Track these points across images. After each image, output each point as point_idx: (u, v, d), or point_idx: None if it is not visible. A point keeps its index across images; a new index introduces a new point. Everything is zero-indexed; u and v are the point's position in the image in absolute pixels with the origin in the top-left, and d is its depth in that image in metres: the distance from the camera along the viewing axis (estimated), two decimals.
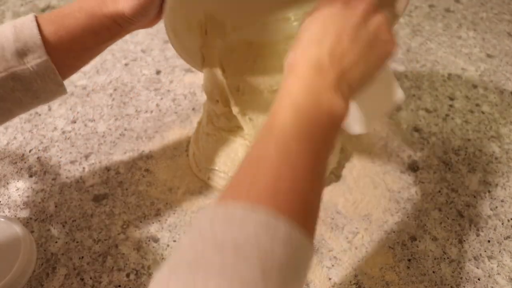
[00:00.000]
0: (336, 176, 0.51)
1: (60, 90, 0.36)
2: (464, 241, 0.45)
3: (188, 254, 0.21)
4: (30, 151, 0.53)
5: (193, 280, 0.19)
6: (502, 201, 0.49)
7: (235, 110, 0.48)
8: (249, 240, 0.21)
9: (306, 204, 0.25)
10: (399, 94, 0.37)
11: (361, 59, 0.30)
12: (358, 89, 0.30)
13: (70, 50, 0.35)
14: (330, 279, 0.41)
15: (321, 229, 0.45)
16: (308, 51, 0.29)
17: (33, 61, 0.33)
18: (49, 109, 0.59)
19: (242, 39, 0.46)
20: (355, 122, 0.36)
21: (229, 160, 0.47)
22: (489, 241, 0.45)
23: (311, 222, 0.25)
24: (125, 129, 0.56)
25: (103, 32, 0.35)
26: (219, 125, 0.50)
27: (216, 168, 0.48)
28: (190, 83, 0.64)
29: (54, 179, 0.50)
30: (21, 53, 0.32)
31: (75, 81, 0.64)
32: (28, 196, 0.48)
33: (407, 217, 0.47)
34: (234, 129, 0.49)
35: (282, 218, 0.22)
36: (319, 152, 0.26)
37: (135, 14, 0.34)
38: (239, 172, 0.26)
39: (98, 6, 0.34)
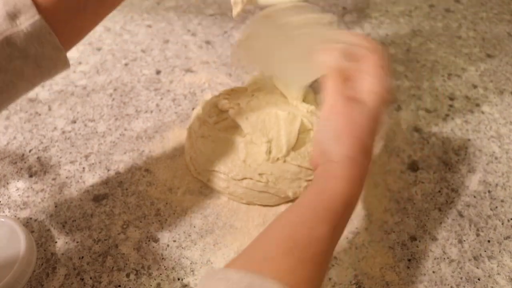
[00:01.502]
0: None
1: (61, 58, 0.35)
2: (464, 241, 0.45)
3: None
4: (30, 151, 0.53)
5: None
6: (502, 201, 0.49)
7: (231, 111, 0.48)
8: None
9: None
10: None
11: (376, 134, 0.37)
12: None
13: (64, 10, 0.34)
14: (330, 279, 0.41)
15: None
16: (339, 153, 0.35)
17: (25, 22, 0.31)
18: (49, 109, 0.59)
19: None
20: None
21: (229, 160, 0.47)
22: (489, 241, 0.45)
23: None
24: (125, 129, 0.56)
25: None
26: (215, 121, 0.50)
27: (216, 169, 0.47)
28: (190, 83, 0.64)
29: (54, 179, 0.50)
30: (12, 15, 0.31)
31: (75, 81, 0.64)
32: (28, 196, 0.48)
33: (407, 217, 0.47)
34: (230, 128, 0.49)
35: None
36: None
37: None
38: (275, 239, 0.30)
39: None
